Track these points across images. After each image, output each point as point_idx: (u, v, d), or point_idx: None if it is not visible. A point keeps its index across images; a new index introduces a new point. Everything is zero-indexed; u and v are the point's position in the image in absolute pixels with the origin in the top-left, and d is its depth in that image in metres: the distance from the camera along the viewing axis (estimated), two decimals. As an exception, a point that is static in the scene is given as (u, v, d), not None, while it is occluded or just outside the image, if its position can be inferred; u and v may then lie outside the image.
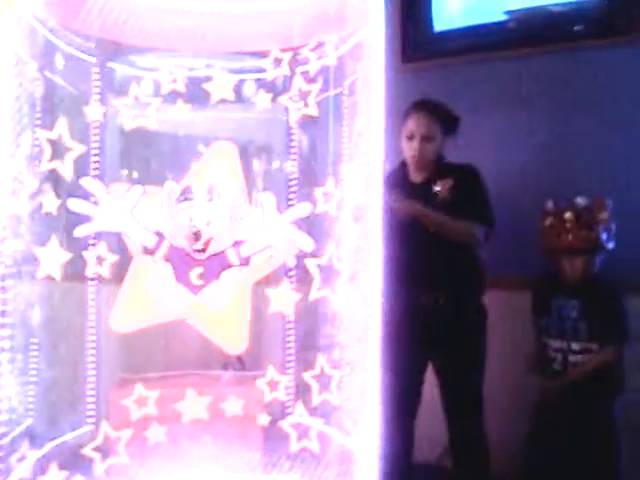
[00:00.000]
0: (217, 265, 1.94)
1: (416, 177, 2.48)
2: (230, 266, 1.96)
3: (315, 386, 2.04)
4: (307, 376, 2.05)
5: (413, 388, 2.49)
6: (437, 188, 2.40)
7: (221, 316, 2.00)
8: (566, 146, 2.86)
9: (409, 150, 2.43)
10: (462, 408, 2.48)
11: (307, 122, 1.93)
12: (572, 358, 2.36)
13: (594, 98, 2.82)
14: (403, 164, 2.51)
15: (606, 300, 2.33)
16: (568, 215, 2.35)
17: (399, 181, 2.45)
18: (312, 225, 2.00)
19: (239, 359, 2.17)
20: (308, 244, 1.98)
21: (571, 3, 2.84)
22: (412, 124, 2.41)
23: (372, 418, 1.86)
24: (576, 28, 2.84)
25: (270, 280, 2.04)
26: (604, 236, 2.33)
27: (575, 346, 2.36)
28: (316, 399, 2.03)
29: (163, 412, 1.91)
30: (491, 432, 2.46)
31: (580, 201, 2.37)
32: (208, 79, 1.82)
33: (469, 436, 2.47)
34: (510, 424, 2.60)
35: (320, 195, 1.96)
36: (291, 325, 2.16)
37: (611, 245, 2.37)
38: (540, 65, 2.87)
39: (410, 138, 2.42)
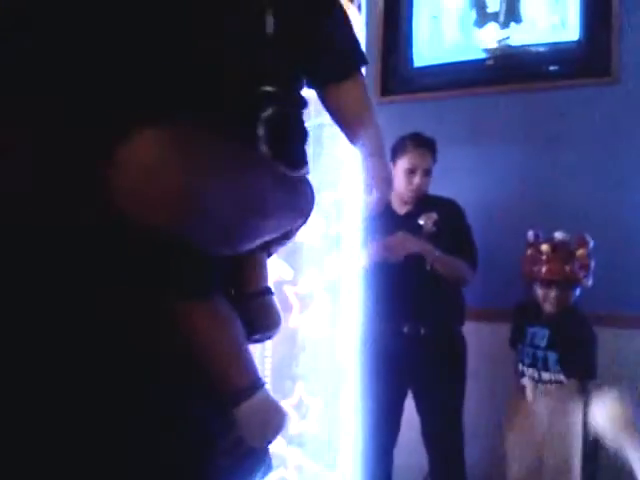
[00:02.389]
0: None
1: (400, 209, 2.50)
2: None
3: (293, 415, 2.03)
4: (285, 404, 2.04)
5: (392, 417, 2.48)
6: (422, 221, 2.43)
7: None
8: (543, 181, 2.91)
9: (408, 184, 2.43)
10: (442, 437, 2.47)
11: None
12: (541, 388, 2.38)
13: (570, 135, 2.88)
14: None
15: (574, 332, 2.34)
16: (545, 247, 2.39)
17: (382, 212, 2.46)
18: (291, 253, 2.01)
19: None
20: (287, 272, 1.99)
21: (548, 44, 2.91)
22: (415, 159, 2.41)
23: (351, 448, 1.85)
24: (552, 68, 2.91)
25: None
26: (580, 271, 2.36)
27: (545, 376, 2.37)
28: (294, 428, 2.02)
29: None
30: (473, 460, 2.45)
31: (558, 235, 2.41)
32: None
33: (449, 465, 2.47)
34: (491, 452, 2.58)
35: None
36: (269, 353, 2.15)
37: (589, 282, 2.39)
38: (517, 102, 2.94)
39: (412, 172, 2.43)
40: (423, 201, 2.47)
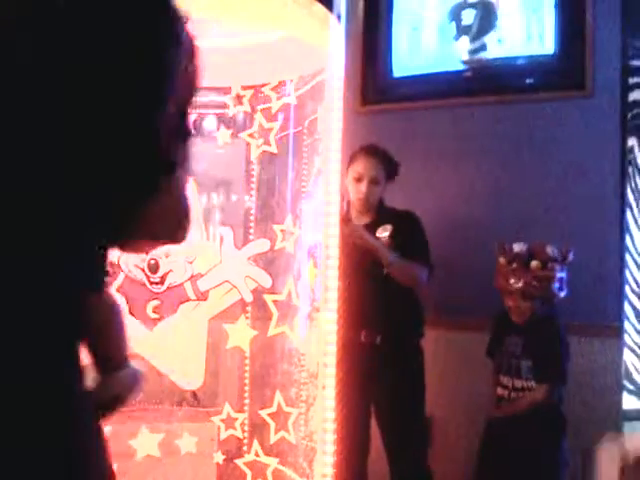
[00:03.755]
0: (174, 299, 1.94)
1: (359, 220, 2.50)
2: (187, 300, 1.96)
3: (272, 424, 2.03)
4: (264, 413, 2.04)
5: (360, 426, 2.49)
6: (379, 233, 2.46)
7: (176, 351, 1.99)
8: (518, 192, 2.95)
9: (356, 192, 2.47)
10: (401, 452, 2.48)
11: (267, 158, 1.97)
12: (514, 395, 2.39)
13: (544, 146, 2.93)
14: (347, 205, 2.56)
15: (546, 340, 2.38)
16: (501, 260, 2.43)
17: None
18: (270, 261, 2.02)
19: (194, 395, 2.15)
20: (266, 280, 2.00)
21: (524, 56, 2.96)
22: (361, 167, 2.45)
23: (327, 457, 1.85)
24: (528, 80, 2.96)
25: (227, 315, 2.04)
26: (534, 282, 2.39)
27: (517, 383, 2.39)
28: (273, 437, 2.02)
29: (115, 448, 1.87)
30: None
31: (515, 246, 2.42)
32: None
33: (411, 474, 2.48)
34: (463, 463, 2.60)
35: (278, 231, 1.98)
36: (248, 361, 2.15)
37: (562, 293, 2.43)
38: (493, 113, 2.98)
39: (358, 180, 2.46)
40: (380, 213, 2.50)
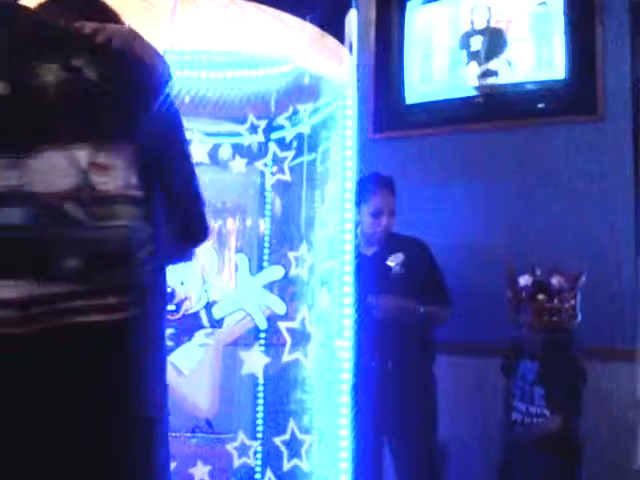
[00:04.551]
0: (188, 326, 1.95)
1: (367, 250, 2.49)
2: (202, 327, 1.97)
3: (285, 451, 2.02)
4: (277, 441, 2.03)
5: (372, 454, 2.47)
6: (390, 262, 2.46)
7: (191, 378, 1.99)
8: (532, 216, 2.95)
9: (376, 226, 2.46)
10: (412, 472, 2.45)
11: (281, 186, 1.98)
12: (528, 421, 2.37)
13: (558, 171, 2.93)
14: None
15: (561, 369, 2.35)
16: (510, 294, 2.42)
17: None
18: (284, 288, 2.03)
19: (208, 422, 2.15)
20: (280, 307, 2.00)
21: (536, 82, 2.98)
22: (380, 201, 2.45)
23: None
24: (540, 105, 2.97)
25: (241, 342, 2.04)
26: (563, 315, 2.37)
27: (532, 410, 2.37)
28: (286, 465, 2.01)
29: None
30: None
31: (521, 280, 2.42)
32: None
33: None
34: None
35: (292, 258, 1.99)
36: (261, 388, 2.15)
37: (575, 321, 2.41)
38: (505, 139, 2.99)
39: (378, 215, 2.46)
40: (388, 241, 2.50)
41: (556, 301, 2.37)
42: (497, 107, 2.99)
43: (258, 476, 2.09)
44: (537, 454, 2.32)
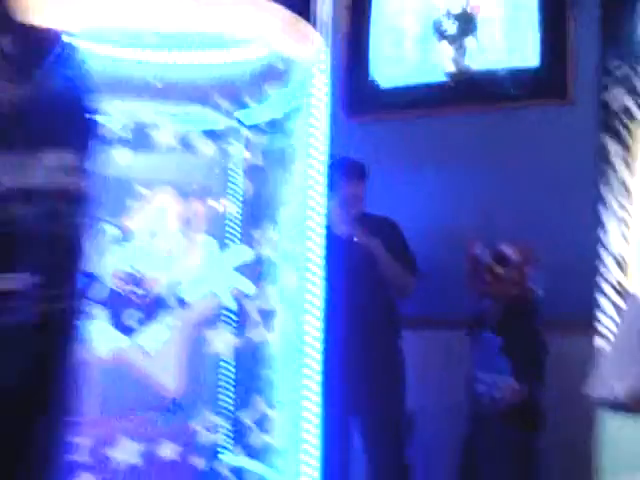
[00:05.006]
0: (155, 307, 1.93)
1: (337, 230, 2.48)
2: (169, 308, 1.95)
3: (253, 428, 2.03)
4: (245, 417, 2.04)
5: (341, 427, 2.51)
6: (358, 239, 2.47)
7: (157, 358, 1.98)
8: (500, 197, 2.97)
9: (344, 213, 2.47)
10: (377, 438, 2.53)
11: (251, 168, 1.95)
12: (492, 392, 2.41)
13: (527, 154, 2.95)
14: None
15: (523, 339, 2.39)
16: (496, 267, 2.44)
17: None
18: (252, 268, 2.01)
19: (174, 402, 2.14)
20: (249, 287, 1.99)
21: (508, 67, 2.97)
22: (348, 189, 2.46)
23: (310, 459, 1.86)
24: (512, 90, 2.97)
25: (209, 322, 2.03)
26: (531, 284, 2.41)
27: (496, 380, 2.42)
28: (254, 441, 2.02)
29: (95, 458, 1.86)
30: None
31: (477, 249, 2.45)
32: (154, 125, 1.83)
33: (388, 466, 2.53)
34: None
35: (261, 239, 1.98)
36: (229, 367, 2.15)
37: (534, 292, 2.45)
38: (476, 123, 2.99)
39: (345, 202, 2.46)
40: (360, 221, 2.50)
41: (512, 272, 2.40)
42: (469, 91, 3.00)
43: (226, 452, 2.10)
44: (501, 425, 2.38)
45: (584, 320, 3.01)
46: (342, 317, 2.35)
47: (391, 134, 3.01)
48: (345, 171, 2.44)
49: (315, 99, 1.69)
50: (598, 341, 3.28)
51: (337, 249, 2.32)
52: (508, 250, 2.41)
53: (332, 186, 2.38)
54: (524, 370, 2.38)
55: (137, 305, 1.90)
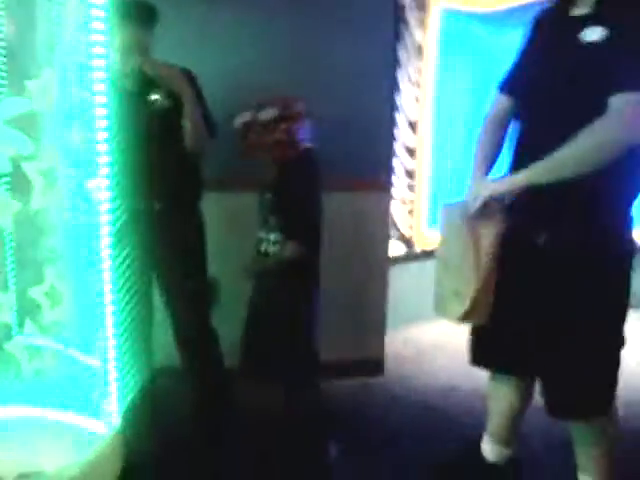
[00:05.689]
0: None
1: (130, 86, 2.29)
2: None
3: (45, 302, 1.88)
4: (35, 293, 1.88)
5: (141, 300, 2.42)
6: (154, 97, 2.28)
7: None
8: (298, 51, 2.91)
9: (125, 63, 2.23)
10: (182, 307, 2.51)
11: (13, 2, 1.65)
12: (270, 249, 2.43)
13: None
14: None
15: (291, 195, 2.39)
16: (251, 133, 2.37)
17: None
18: (29, 124, 1.76)
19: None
20: (25, 145, 1.75)
21: None
22: (129, 36, 2.19)
23: (108, 331, 1.77)
24: None
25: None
26: (296, 136, 2.37)
27: (272, 237, 2.43)
28: (47, 316, 1.88)
29: None
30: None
31: (264, 115, 2.37)
32: None
33: (195, 334, 2.53)
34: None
35: (36, 89, 1.72)
36: (10, 238, 1.94)
37: (308, 143, 2.42)
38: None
39: (127, 51, 2.21)
40: (151, 77, 2.29)
41: (274, 128, 2.35)
42: None
43: (17, 331, 1.94)
44: (277, 282, 2.43)
45: (376, 179, 3.15)
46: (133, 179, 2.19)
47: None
48: (126, 15, 2.15)
49: None
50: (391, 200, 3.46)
51: (124, 101, 2.13)
52: (264, 114, 2.35)
53: (112, 30, 2.15)
54: (293, 228, 2.39)
55: None
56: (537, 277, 1.95)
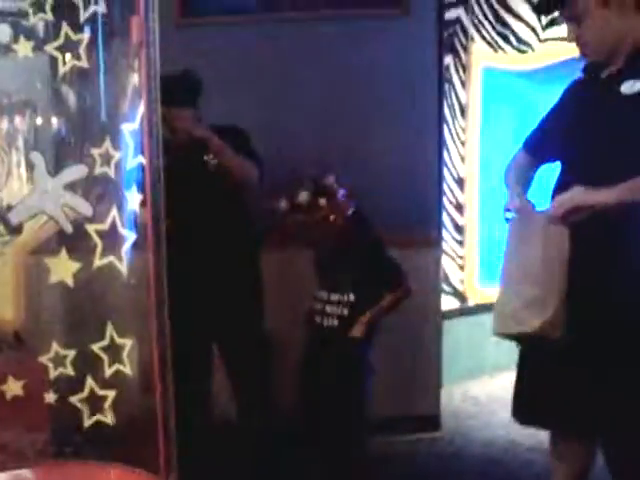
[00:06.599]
0: (-17, 236, 1.76)
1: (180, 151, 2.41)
2: (-2, 236, 1.79)
3: (105, 358, 1.95)
4: (95, 348, 1.96)
5: (199, 356, 2.48)
6: (209, 157, 2.39)
7: (-9, 291, 1.83)
8: (338, 114, 3.00)
9: (178, 138, 2.35)
10: (242, 364, 2.55)
11: (77, 74, 1.79)
12: (329, 309, 2.46)
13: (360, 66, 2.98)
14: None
15: (365, 251, 2.44)
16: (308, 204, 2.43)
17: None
18: (89, 188, 1.89)
19: (16, 336, 2.01)
20: (86, 208, 1.87)
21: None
22: (176, 118, 2.31)
23: (164, 385, 1.83)
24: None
25: (46, 249, 1.89)
26: (337, 208, 2.42)
27: (333, 297, 2.46)
28: (107, 371, 1.95)
29: None
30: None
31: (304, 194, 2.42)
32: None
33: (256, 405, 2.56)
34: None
35: (96, 155, 1.85)
36: (73, 295, 2.04)
37: (350, 211, 2.47)
38: (301, 30, 2.95)
39: (176, 129, 2.34)
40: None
41: (326, 206, 2.41)
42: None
43: (78, 385, 2.02)
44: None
45: (425, 235, 3.17)
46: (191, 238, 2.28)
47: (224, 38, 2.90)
48: (171, 96, 2.28)
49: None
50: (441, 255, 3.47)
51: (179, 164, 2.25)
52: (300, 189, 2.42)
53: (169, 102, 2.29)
54: (389, 280, 2.42)
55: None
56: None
